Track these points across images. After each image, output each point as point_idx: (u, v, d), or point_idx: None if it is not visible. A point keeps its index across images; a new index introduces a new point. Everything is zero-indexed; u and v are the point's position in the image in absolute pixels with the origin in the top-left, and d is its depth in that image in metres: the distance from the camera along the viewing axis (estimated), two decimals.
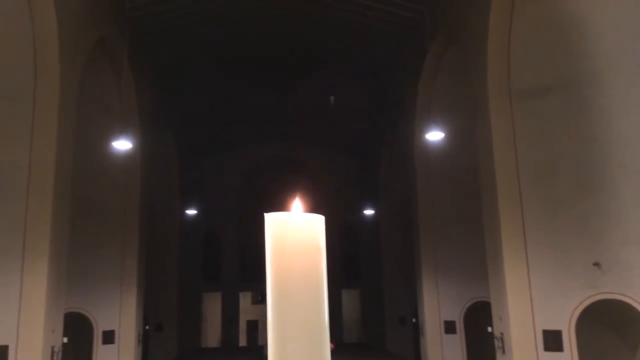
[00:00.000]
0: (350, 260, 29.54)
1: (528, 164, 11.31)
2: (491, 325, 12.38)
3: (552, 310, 10.82)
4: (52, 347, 10.47)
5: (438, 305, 16.61)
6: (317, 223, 0.86)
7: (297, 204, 0.87)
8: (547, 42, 11.27)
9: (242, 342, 31.49)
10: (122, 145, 13.34)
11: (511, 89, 11.54)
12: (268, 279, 0.84)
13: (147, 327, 19.05)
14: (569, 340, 10.63)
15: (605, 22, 10.73)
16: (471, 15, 12.46)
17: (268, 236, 0.85)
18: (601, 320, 10.76)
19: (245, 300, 32.81)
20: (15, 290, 9.97)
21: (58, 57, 10.78)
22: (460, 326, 16.51)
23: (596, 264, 10.57)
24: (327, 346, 0.85)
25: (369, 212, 25.82)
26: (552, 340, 10.79)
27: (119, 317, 15.37)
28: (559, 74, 11.28)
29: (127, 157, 15.39)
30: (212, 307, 29.52)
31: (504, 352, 11.43)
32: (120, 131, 13.28)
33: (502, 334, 11.50)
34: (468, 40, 12.89)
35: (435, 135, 13.96)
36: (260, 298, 36.03)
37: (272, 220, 0.85)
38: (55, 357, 10.53)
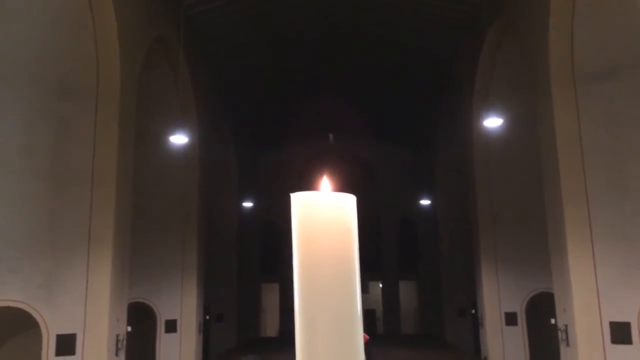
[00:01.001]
0: (407, 251, 29.28)
1: (594, 150, 10.80)
2: (554, 317, 11.96)
3: (620, 302, 10.33)
4: (117, 336, 10.88)
5: (498, 297, 16.21)
6: (347, 203, 0.80)
7: (325, 183, 0.83)
8: (611, 23, 10.71)
9: None
10: (181, 140, 13.66)
11: (575, 73, 11.04)
12: (295, 264, 0.79)
13: (207, 317, 19.51)
14: (639, 332, 10.14)
15: None
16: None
17: (294, 218, 0.80)
18: None
19: None
20: (82, 281, 10.41)
21: (118, 56, 11.12)
22: (521, 318, 16.06)
23: None
24: (360, 337, 0.80)
25: (426, 202, 25.47)
26: (620, 333, 10.32)
27: (181, 307, 15.81)
28: (625, 55, 10.71)
29: (187, 151, 15.78)
30: (271, 298, 29.95)
31: (568, 344, 11.02)
32: (179, 127, 13.59)
33: (566, 326, 11.09)
34: (528, 25, 12.42)
35: (493, 122, 13.56)
36: None
37: (299, 201, 0.80)
38: (120, 345, 10.93)
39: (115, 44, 11.06)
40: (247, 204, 24.83)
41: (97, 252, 10.52)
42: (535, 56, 12.09)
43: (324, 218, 0.79)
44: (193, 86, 16.11)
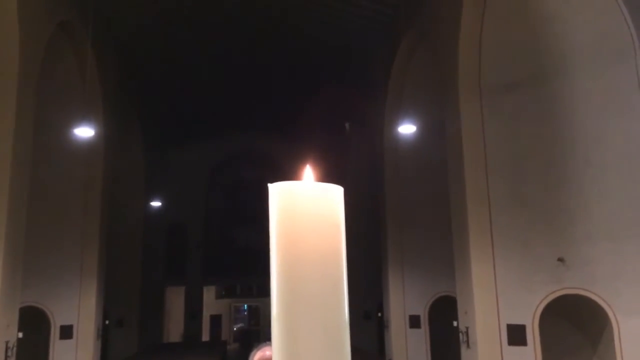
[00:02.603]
0: None
1: (496, 160, 11.38)
2: (456, 320, 12.44)
3: (517, 305, 10.92)
4: (7, 343, 10.04)
5: (403, 300, 16.65)
6: (334, 195, 0.70)
7: (308, 173, 0.72)
8: (517, 39, 11.35)
9: (205, 337, 31.10)
10: (85, 133, 12.89)
11: (481, 85, 11.58)
12: (273, 265, 0.67)
13: (107, 322, 18.57)
14: (533, 334, 10.76)
15: (571, 20, 10.85)
16: (443, 10, 12.45)
17: (273, 212, 0.68)
18: (564, 314, 10.93)
19: (209, 294, 32.41)
20: None
21: (17, 41, 10.31)
22: (425, 320, 16.59)
23: (560, 260, 10.71)
24: (347, 347, 0.70)
25: None
26: (516, 335, 10.90)
27: (78, 311, 14.89)
28: (527, 70, 11.38)
29: (90, 147, 14.89)
30: (175, 302, 29.04)
31: (468, 346, 11.49)
32: (83, 119, 12.82)
33: (467, 328, 11.56)
34: (440, 34, 12.89)
35: (405, 129, 13.95)
36: (224, 293, 35.65)
37: (278, 192, 0.68)
38: (9, 353, 10.10)
39: (15, 28, 10.25)
40: (154, 204, 23.94)
41: None
42: (445, 66, 12.56)
43: (308, 211, 0.67)
44: (99, 76, 15.27)
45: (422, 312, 16.61)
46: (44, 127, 13.47)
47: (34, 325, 13.85)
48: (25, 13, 10.49)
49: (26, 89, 10.87)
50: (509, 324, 10.96)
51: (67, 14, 12.91)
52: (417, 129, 14.51)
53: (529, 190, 11.15)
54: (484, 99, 11.56)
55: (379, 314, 20.36)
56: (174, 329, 29.27)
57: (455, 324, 12.55)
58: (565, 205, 10.81)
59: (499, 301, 11.00)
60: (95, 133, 13.83)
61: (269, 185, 0.71)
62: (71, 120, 13.23)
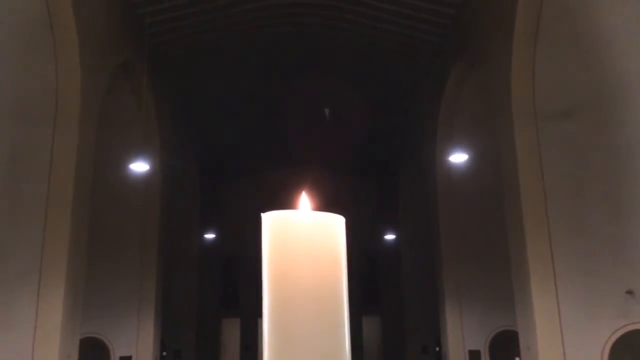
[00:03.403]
0: (370, 286, 29.03)
1: (556, 188, 10.93)
2: (519, 356, 11.87)
3: (583, 341, 10.32)
4: None
5: (462, 334, 16.08)
6: (334, 225, 0.62)
7: (304, 200, 0.65)
8: (573, 62, 11.00)
9: None
10: (142, 168, 13.29)
11: (536, 111, 11.24)
12: (265, 300, 0.61)
13: (164, 353, 18.77)
14: None
15: (631, 41, 10.45)
16: (495, 37, 12.25)
17: (266, 243, 0.62)
18: (634, 351, 10.24)
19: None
20: (30, 314, 9.83)
21: (79, 82, 10.81)
22: (485, 356, 15.93)
23: (629, 292, 10.11)
24: None
25: (389, 237, 25.38)
26: None
27: (136, 342, 15.15)
28: (586, 94, 10.98)
29: (147, 181, 15.35)
30: (231, 333, 29.13)
31: None
32: (141, 155, 13.24)
33: None
34: (491, 62, 12.67)
35: (458, 158, 13.66)
36: None
37: (271, 222, 0.61)
38: None
39: (77, 69, 10.77)
40: (209, 236, 24.30)
41: (49, 284, 9.98)
42: (497, 93, 12.29)
43: (304, 243, 0.60)
44: (156, 113, 15.81)
45: (482, 346, 15.97)
46: (103, 163, 13.98)
47: (94, 356, 14.15)
48: (87, 55, 11.01)
49: (87, 128, 11.34)
50: None
51: (126, 55, 13.49)
52: (470, 158, 14.21)
53: (592, 219, 10.63)
54: (540, 125, 11.20)
55: (437, 349, 19.72)
56: None
57: (517, 359, 11.97)
58: (633, 235, 10.24)
59: (563, 337, 10.43)
60: (152, 167, 14.24)
61: (262, 214, 0.65)
62: (129, 156, 13.69)
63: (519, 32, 11.08)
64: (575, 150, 10.97)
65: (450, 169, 15.77)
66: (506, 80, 11.55)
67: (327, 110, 20.62)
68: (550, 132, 11.13)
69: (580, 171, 10.87)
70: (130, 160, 13.42)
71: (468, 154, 13.82)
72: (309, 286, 0.60)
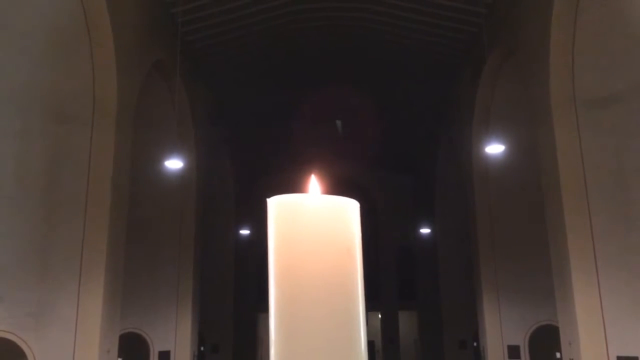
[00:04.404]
0: (407, 280, 28.82)
1: (597, 178, 10.58)
2: (560, 351, 11.58)
3: (627, 335, 9.99)
4: None
5: (500, 329, 15.78)
6: (347, 209, 0.56)
7: (313, 184, 0.59)
8: (613, 49, 10.61)
9: None
10: (177, 165, 13.44)
11: (576, 99, 10.89)
12: (271, 294, 0.55)
13: (202, 348, 19.02)
14: None
15: None
16: (532, 23, 11.92)
17: (271, 231, 0.56)
18: None
19: None
20: (72, 310, 10.06)
21: (116, 81, 10.98)
22: (524, 351, 15.61)
23: None
24: None
25: (425, 230, 25.12)
26: None
27: (175, 337, 15.37)
28: (627, 81, 10.58)
29: (184, 178, 15.55)
30: (268, 329, 29.32)
31: None
32: (177, 153, 13.39)
33: None
34: (529, 49, 12.33)
35: (494, 149, 13.37)
36: None
37: (277, 207, 0.55)
38: None
39: (113, 69, 10.94)
40: (245, 231, 24.50)
41: (89, 280, 10.20)
42: (536, 81, 11.97)
43: (314, 231, 0.54)
44: (191, 111, 15.97)
45: (522, 342, 15.65)
46: (140, 161, 14.19)
47: (134, 351, 14.42)
48: (122, 55, 11.18)
49: (123, 127, 11.52)
50: (619, 356, 10.03)
51: (159, 54, 13.64)
52: (508, 148, 13.88)
53: (635, 210, 10.26)
54: (579, 113, 10.85)
55: (475, 344, 19.44)
56: (267, 355, 29.48)
57: (558, 355, 11.69)
58: None
59: (607, 331, 10.12)
60: (188, 165, 14.40)
61: (267, 199, 0.59)
62: (165, 154, 13.87)
63: (556, 16, 10.74)
64: (617, 140, 10.59)
65: (487, 160, 15.46)
66: (544, 68, 11.23)
67: (339, 123, 20.54)
68: (591, 120, 10.78)
69: (623, 162, 10.49)
70: (166, 158, 13.59)
71: (505, 145, 13.50)
72: (319, 279, 0.54)
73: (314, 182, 0.60)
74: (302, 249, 0.55)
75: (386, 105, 21.21)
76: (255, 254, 27.20)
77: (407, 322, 29.79)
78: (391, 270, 29.24)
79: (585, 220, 10.49)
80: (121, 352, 11.50)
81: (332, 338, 0.53)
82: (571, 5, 10.62)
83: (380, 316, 30.31)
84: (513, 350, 15.62)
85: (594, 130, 10.74)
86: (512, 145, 14.33)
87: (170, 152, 13.54)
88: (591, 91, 10.82)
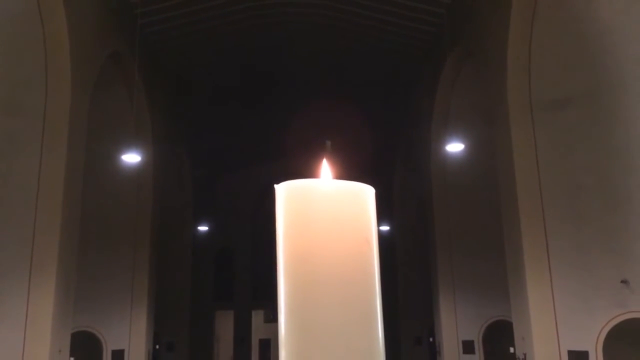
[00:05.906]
0: None
1: (550, 177, 10.88)
2: (513, 346, 11.87)
3: (578, 330, 10.32)
4: None
5: (456, 324, 16.07)
6: (363, 195, 0.52)
7: (325, 169, 0.55)
8: (569, 53, 10.93)
9: None
10: (134, 160, 13.13)
11: (532, 101, 11.17)
12: (281, 286, 0.50)
13: (157, 347, 18.67)
14: None
15: (627, 31, 10.38)
16: (491, 26, 12.15)
17: (280, 218, 0.51)
18: (629, 339, 10.24)
19: (257, 318, 32.31)
20: (21, 308, 9.70)
21: (69, 72, 10.63)
22: (479, 346, 15.94)
23: (624, 282, 10.10)
24: None
25: (383, 228, 25.31)
26: None
27: (129, 336, 15.03)
28: (581, 84, 10.91)
29: (139, 173, 15.17)
30: (224, 326, 29.06)
31: None
32: (133, 147, 13.08)
33: (525, 354, 11.00)
34: (487, 51, 12.57)
35: (453, 148, 13.58)
36: (273, 316, 35.52)
37: (286, 193, 0.51)
38: None
39: (67, 60, 10.58)
40: (202, 229, 24.15)
41: (39, 277, 9.85)
42: (493, 83, 12.21)
43: (327, 217, 0.49)
44: (148, 104, 15.61)
45: (476, 337, 15.98)
46: (95, 156, 13.80)
47: (87, 350, 14.03)
48: (76, 46, 10.83)
49: (78, 119, 11.17)
50: (570, 351, 10.35)
51: (116, 45, 13.29)
52: (466, 148, 14.12)
53: (587, 208, 10.60)
54: (535, 115, 11.13)
55: (431, 339, 19.74)
56: (224, 353, 29.25)
57: (512, 350, 11.98)
58: (628, 224, 10.21)
59: (558, 326, 10.43)
60: (144, 160, 14.07)
61: (275, 186, 0.55)
62: (121, 149, 13.52)
63: (514, 19, 10.98)
64: (570, 140, 10.92)
65: (445, 159, 15.70)
66: (502, 70, 11.47)
67: (328, 142, 20.57)
68: (547, 122, 11.08)
69: (576, 162, 10.83)
70: (123, 153, 13.26)
71: (464, 144, 13.73)
72: (334, 269, 0.50)
73: (325, 167, 0.56)
74: (314, 237, 0.51)
75: (345, 102, 21.25)
76: (212, 251, 26.88)
77: None
78: None
79: (539, 219, 10.77)
80: (73, 351, 11.16)
81: (349, 329, 0.49)
82: (528, 10, 10.88)
83: None
84: (468, 346, 15.93)
85: (549, 131, 11.04)
86: (471, 146, 14.59)
87: (126, 147, 13.21)
88: (546, 93, 11.11)
